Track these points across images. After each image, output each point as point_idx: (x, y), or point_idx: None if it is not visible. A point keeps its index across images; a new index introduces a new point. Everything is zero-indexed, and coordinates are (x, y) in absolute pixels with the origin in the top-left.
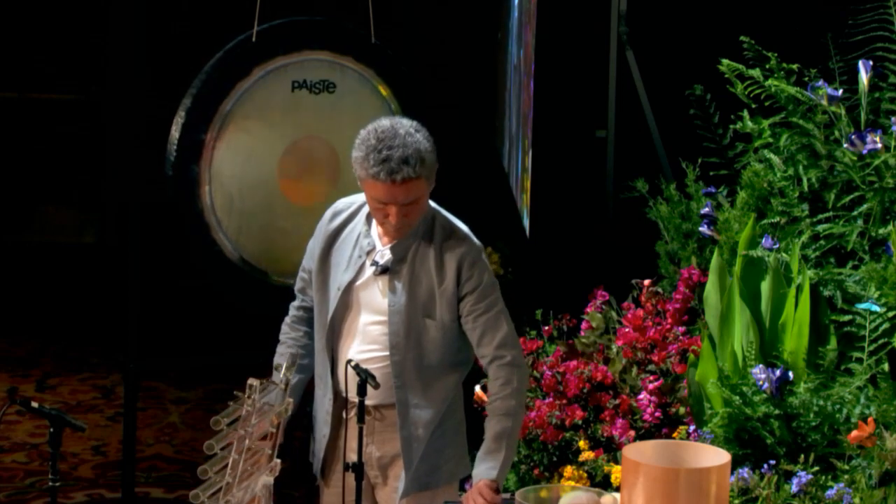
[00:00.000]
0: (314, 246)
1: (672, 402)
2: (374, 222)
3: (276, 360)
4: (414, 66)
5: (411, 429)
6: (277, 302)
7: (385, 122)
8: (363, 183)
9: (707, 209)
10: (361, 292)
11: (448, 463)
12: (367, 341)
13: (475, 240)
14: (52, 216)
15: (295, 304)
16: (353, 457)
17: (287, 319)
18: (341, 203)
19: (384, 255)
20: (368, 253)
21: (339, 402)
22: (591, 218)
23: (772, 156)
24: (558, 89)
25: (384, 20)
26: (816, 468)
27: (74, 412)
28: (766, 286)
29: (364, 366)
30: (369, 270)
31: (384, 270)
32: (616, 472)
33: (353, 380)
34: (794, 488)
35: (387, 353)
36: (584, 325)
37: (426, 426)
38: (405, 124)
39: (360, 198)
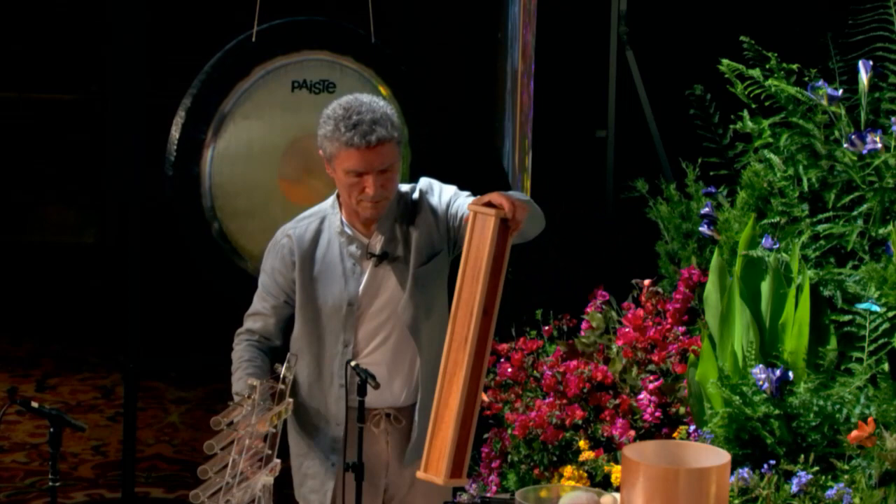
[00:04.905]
0: (283, 270)
1: (672, 402)
2: (348, 231)
3: (240, 385)
4: (414, 66)
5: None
6: None
7: (346, 97)
8: (335, 158)
9: (707, 209)
10: (371, 295)
11: None
12: (383, 330)
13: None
14: (52, 216)
15: (249, 330)
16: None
17: (243, 345)
18: (288, 227)
19: (374, 243)
20: (359, 257)
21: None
22: (591, 218)
23: (772, 156)
24: (558, 89)
25: (384, 20)
26: (816, 468)
27: (74, 412)
28: (766, 286)
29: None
30: (368, 270)
31: (383, 256)
32: (616, 472)
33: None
34: (794, 488)
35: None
36: (584, 325)
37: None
38: (366, 95)
39: (305, 216)
